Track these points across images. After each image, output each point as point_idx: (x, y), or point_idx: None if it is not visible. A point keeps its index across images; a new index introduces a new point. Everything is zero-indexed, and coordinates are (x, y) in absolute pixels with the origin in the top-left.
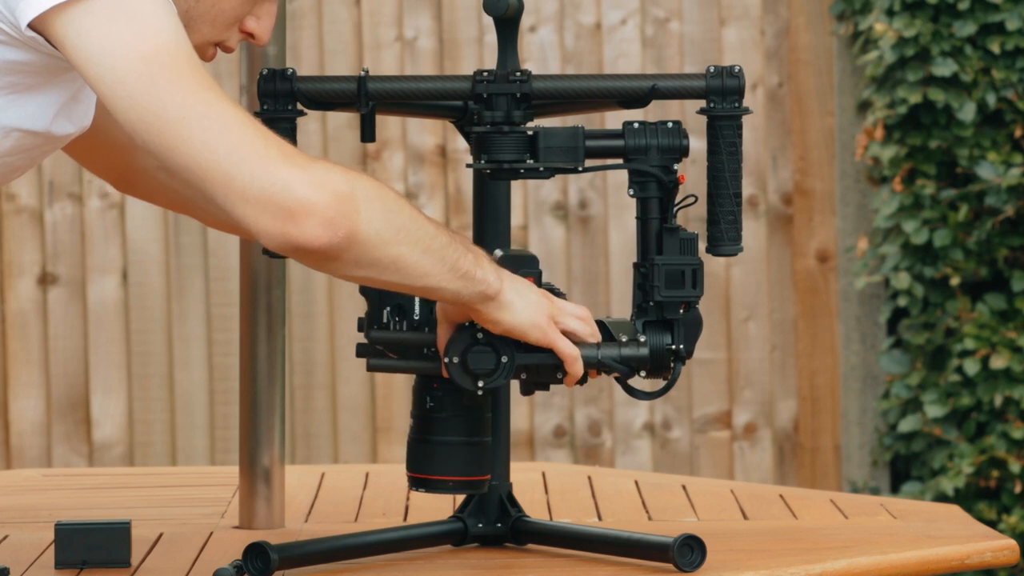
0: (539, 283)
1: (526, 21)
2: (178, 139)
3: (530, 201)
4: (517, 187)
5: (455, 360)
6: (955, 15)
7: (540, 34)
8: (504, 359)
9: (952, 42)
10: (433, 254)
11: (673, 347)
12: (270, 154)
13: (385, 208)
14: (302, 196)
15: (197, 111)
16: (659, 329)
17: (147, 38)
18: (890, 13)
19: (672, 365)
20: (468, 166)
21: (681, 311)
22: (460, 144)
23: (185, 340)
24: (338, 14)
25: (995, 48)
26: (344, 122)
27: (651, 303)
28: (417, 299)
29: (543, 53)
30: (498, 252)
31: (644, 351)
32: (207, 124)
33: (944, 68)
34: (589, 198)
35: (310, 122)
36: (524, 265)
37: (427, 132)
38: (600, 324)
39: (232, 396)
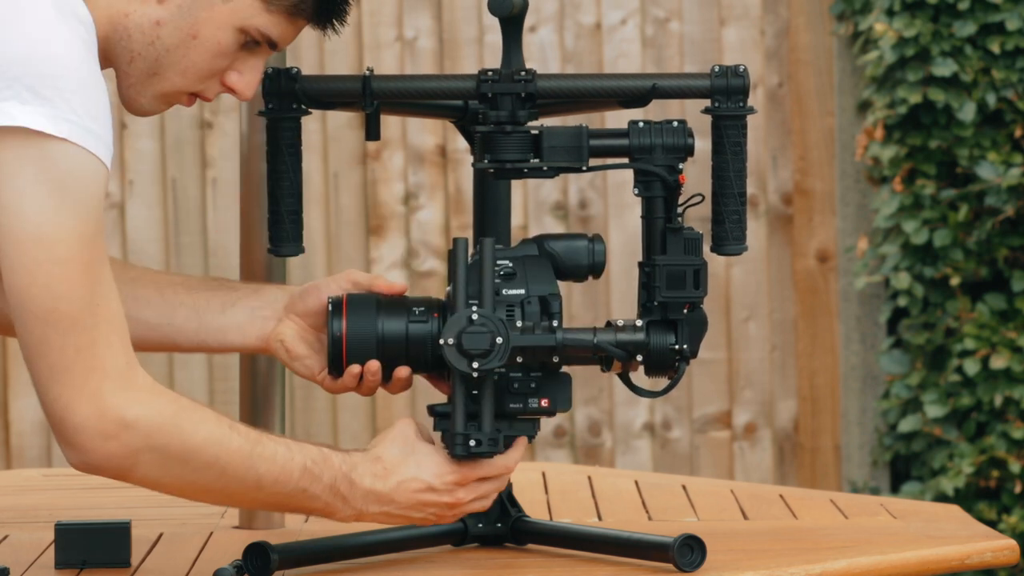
0: (559, 308)
1: (526, 21)
2: (33, 331)
3: (530, 201)
4: (517, 187)
5: (450, 341)
6: (955, 15)
7: (540, 34)
8: (499, 340)
9: (952, 42)
10: (235, 482)
11: (677, 347)
12: (85, 389)
13: (179, 469)
14: (85, 443)
15: (63, 311)
16: (663, 329)
17: (61, 219)
18: (890, 13)
19: (676, 365)
20: (473, 165)
21: (685, 311)
22: (460, 144)
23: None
24: None
25: (995, 48)
26: (344, 122)
27: (655, 303)
28: None
29: (543, 53)
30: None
31: (640, 336)
32: (65, 328)
33: (944, 68)
34: (589, 198)
35: (310, 122)
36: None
37: (427, 132)
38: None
39: (232, 396)
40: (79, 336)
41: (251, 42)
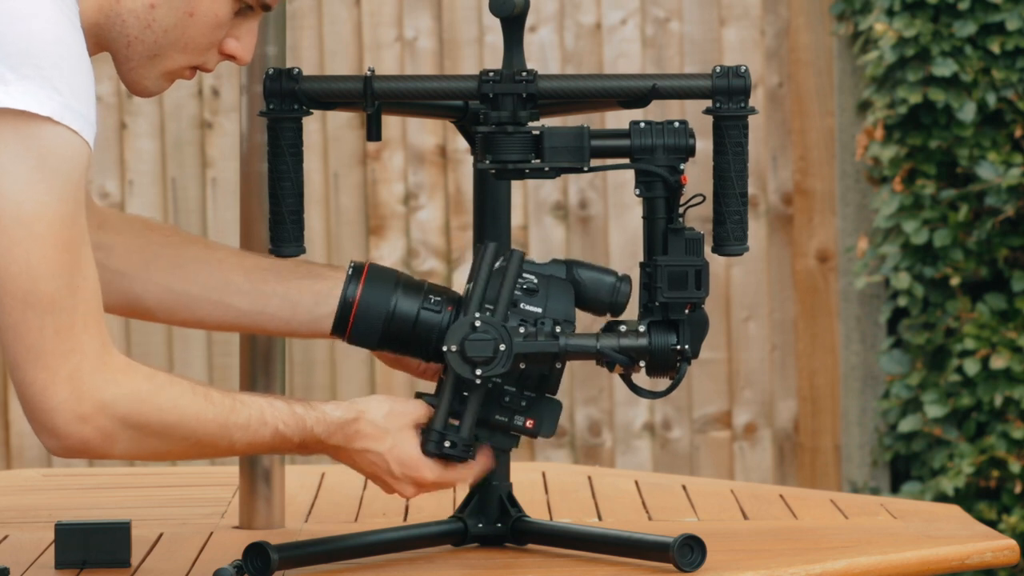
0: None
1: (526, 21)
2: (11, 312)
3: (530, 201)
4: (517, 187)
5: (453, 348)
6: (955, 15)
7: (540, 34)
8: (502, 347)
9: (952, 42)
10: (209, 448)
11: (678, 347)
12: (62, 371)
13: (156, 443)
14: (61, 427)
15: (42, 291)
16: (664, 329)
17: (41, 197)
18: (890, 13)
19: (677, 365)
20: (475, 166)
21: (687, 311)
22: (460, 144)
23: (185, 340)
24: (338, 14)
25: (995, 48)
26: (344, 122)
27: (656, 303)
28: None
29: (543, 53)
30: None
31: (643, 341)
32: (43, 309)
33: (944, 68)
34: (589, 198)
35: (311, 122)
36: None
37: (427, 132)
38: (609, 324)
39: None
40: (57, 317)
41: (245, 8)
